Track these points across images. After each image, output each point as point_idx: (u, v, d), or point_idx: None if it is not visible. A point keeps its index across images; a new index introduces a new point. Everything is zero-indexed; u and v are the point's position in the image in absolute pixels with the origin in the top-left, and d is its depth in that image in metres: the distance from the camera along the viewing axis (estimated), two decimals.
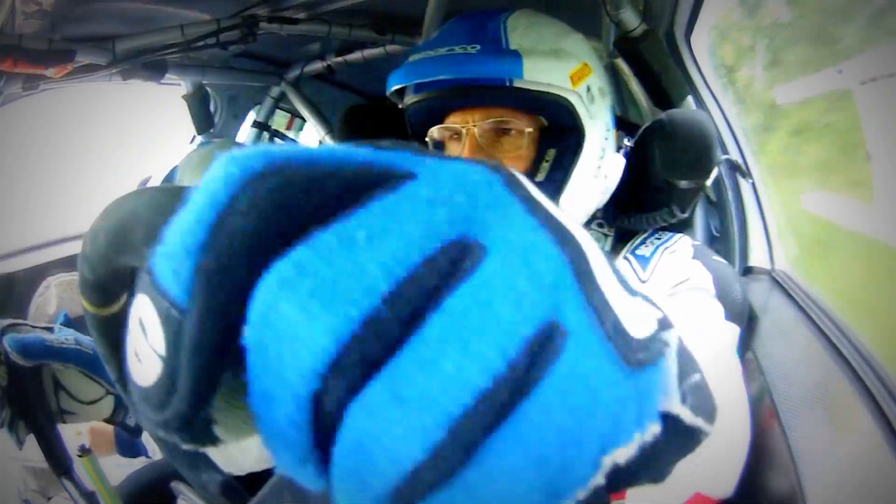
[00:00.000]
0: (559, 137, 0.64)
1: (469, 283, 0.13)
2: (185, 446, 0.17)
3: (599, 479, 0.14)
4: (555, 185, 0.63)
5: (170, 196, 0.22)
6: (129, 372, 0.17)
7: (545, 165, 0.63)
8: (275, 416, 0.13)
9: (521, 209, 0.14)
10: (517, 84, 0.60)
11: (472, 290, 0.13)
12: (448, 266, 0.13)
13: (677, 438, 0.16)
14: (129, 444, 0.98)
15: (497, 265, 0.13)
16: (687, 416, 0.16)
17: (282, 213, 0.14)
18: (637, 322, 0.16)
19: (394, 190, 0.14)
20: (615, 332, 0.15)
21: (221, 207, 0.14)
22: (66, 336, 0.49)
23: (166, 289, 0.14)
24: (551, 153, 0.64)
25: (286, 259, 0.13)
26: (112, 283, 0.31)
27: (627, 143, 0.78)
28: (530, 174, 0.64)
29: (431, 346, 0.13)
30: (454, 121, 0.65)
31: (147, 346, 0.15)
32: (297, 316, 0.13)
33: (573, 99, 0.62)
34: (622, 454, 0.14)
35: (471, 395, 0.12)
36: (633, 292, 0.17)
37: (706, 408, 0.17)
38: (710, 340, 0.49)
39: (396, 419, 0.12)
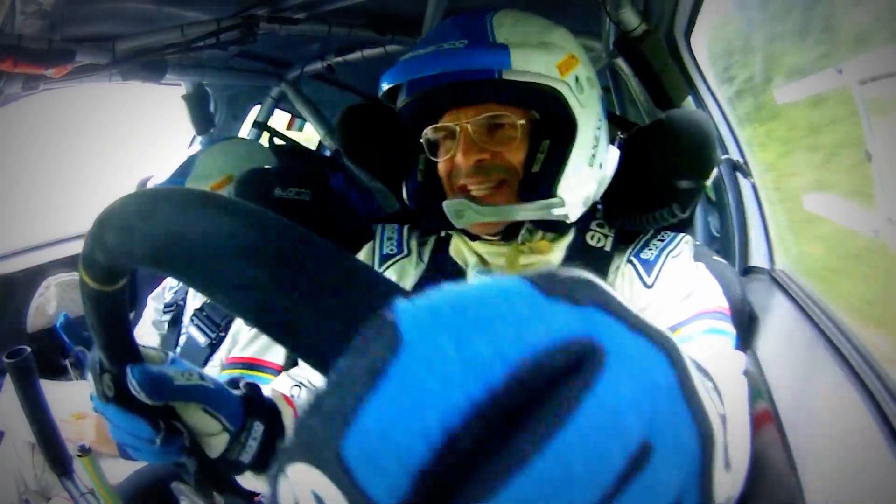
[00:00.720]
0: (552, 128, 0.64)
1: (636, 486, 0.15)
2: None
3: None
4: (551, 176, 0.63)
5: (214, 210, 0.22)
6: None
7: (540, 157, 0.64)
8: None
9: (686, 415, 0.17)
10: (506, 76, 0.61)
11: (636, 492, 0.15)
12: (628, 469, 0.15)
13: None
14: None
15: (659, 463, 0.15)
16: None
17: (502, 429, 0.14)
18: (722, 490, 0.19)
19: (594, 388, 0.15)
20: (704, 441, 0.18)
21: (454, 432, 0.14)
22: (189, 372, 0.45)
23: (373, 496, 0.14)
24: (545, 144, 0.64)
25: (510, 491, 0.14)
26: (125, 270, 0.32)
27: (621, 135, 0.78)
28: (526, 166, 0.64)
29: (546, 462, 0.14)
30: (447, 120, 0.66)
31: None
32: None
33: (562, 89, 0.62)
34: None
35: None
36: (728, 465, 0.20)
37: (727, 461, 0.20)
38: (720, 365, 0.50)
39: None
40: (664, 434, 0.16)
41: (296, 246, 0.22)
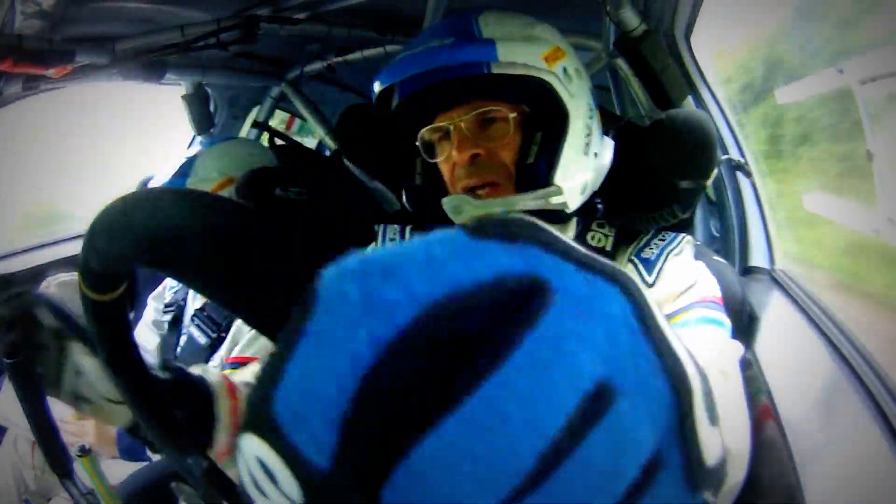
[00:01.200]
0: (544, 120, 0.65)
1: (597, 432, 0.14)
2: None
3: None
4: (546, 167, 0.64)
5: (200, 205, 0.22)
6: (252, 499, 0.17)
7: (534, 149, 0.65)
8: None
9: (651, 353, 0.16)
10: (494, 70, 0.62)
11: (599, 438, 0.14)
12: (584, 413, 0.14)
13: None
14: (131, 447, 0.98)
15: (625, 408, 0.14)
16: (709, 499, 0.18)
17: (429, 370, 0.14)
18: (711, 450, 0.17)
19: (537, 326, 0.14)
20: (696, 467, 0.16)
21: (369, 377, 0.14)
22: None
23: (304, 452, 0.14)
24: (538, 136, 0.65)
25: (438, 436, 0.13)
26: (119, 275, 0.32)
27: (612, 127, 0.78)
28: (521, 159, 0.65)
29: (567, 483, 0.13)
30: (441, 121, 0.67)
31: (276, 491, 0.15)
32: (449, 489, 0.13)
33: (551, 79, 0.63)
34: None
35: (520, 457, 0.13)
36: (713, 420, 0.19)
37: (719, 485, 0.19)
38: (719, 362, 0.50)
39: None
40: (627, 375, 0.15)
41: (248, 229, 0.22)
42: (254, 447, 0.15)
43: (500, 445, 0.13)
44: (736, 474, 0.40)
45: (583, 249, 0.16)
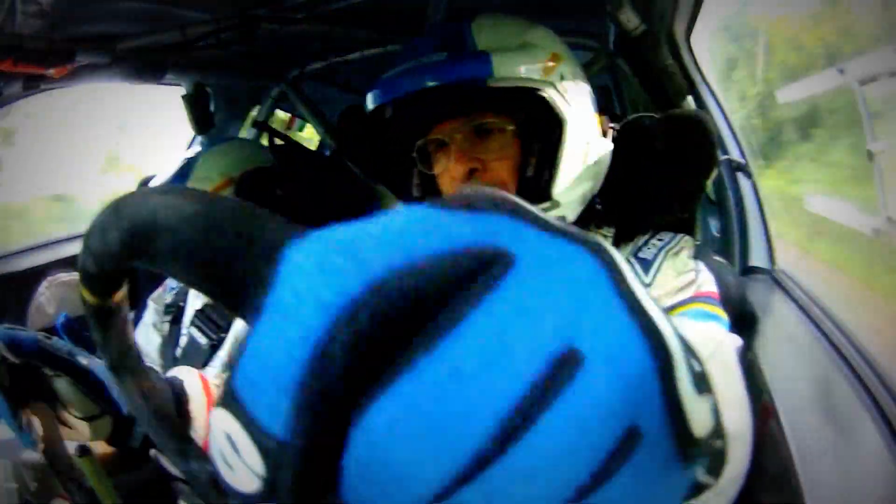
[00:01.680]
0: (542, 131, 0.64)
1: (565, 398, 0.13)
2: None
3: None
4: (545, 178, 0.63)
5: (193, 203, 0.22)
6: (221, 474, 0.17)
7: (532, 161, 0.64)
8: None
9: (622, 314, 0.15)
10: (491, 84, 0.60)
11: (567, 405, 0.13)
12: (550, 378, 0.13)
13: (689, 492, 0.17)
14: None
15: (596, 373, 0.14)
16: (702, 477, 0.17)
17: (383, 338, 0.14)
18: (699, 419, 0.16)
19: (496, 289, 0.14)
20: (682, 435, 0.15)
21: (319, 344, 0.14)
22: (61, 344, 0.48)
23: (261, 421, 0.14)
24: (536, 148, 0.64)
25: (391, 398, 0.13)
26: (117, 278, 0.32)
27: (612, 125, 0.78)
28: (519, 171, 0.64)
29: (533, 457, 0.13)
30: (437, 133, 0.66)
31: (241, 463, 0.15)
32: (407, 455, 0.13)
33: (548, 89, 0.62)
34: None
35: (483, 421, 0.13)
36: (701, 389, 0.18)
37: (717, 468, 0.19)
38: (715, 354, 0.49)
39: None
40: (598, 339, 0.14)
41: (224, 213, 0.22)
42: (221, 421, 0.15)
43: (458, 408, 0.13)
44: (738, 461, 0.39)
45: (551, 217, 0.16)
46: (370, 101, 0.66)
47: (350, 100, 1.82)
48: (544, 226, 0.15)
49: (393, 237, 0.15)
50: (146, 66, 1.19)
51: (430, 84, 0.60)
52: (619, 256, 0.16)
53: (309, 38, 1.31)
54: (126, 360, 0.40)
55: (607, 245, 0.16)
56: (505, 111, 0.64)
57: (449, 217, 0.15)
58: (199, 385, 0.58)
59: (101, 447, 0.92)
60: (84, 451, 0.58)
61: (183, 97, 1.58)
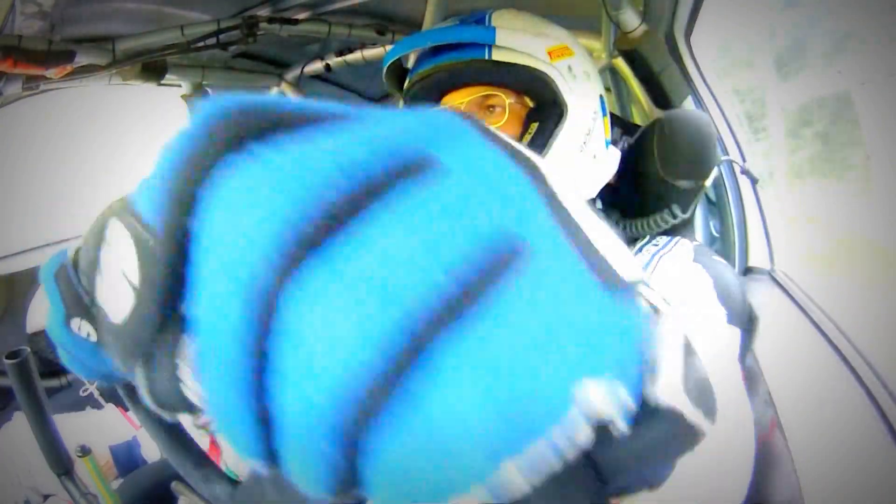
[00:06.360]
0: (542, 112, 0.66)
1: (430, 189, 0.13)
2: (167, 415, 0.17)
3: (580, 425, 0.13)
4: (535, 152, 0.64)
5: None
6: (105, 312, 0.17)
7: (527, 137, 0.65)
8: (215, 294, 0.13)
9: (482, 139, 0.15)
10: (495, 56, 0.63)
11: (432, 196, 0.13)
12: (406, 175, 0.13)
13: (676, 434, 0.16)
14: (127, 463, 0.99)
15: (457, 178, 0.13)
16: (689, 410, 0.16)
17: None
18: (621, 262, 0.15)
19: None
20: (589, 253, 0.14)
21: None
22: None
23: (141, 212, 0.15)
24: (533, 127, 0.65)
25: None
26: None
27: (626, 137, 0.78)
28: None
29: (387, 237, 0.12)
30: (445, 104, 0.68)
31: (120, 275, 0.15)
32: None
33: (551, 72, 0.63)
34: (598, 394, 0.13)
35: (424, 286, 0.12)
36: (619, 241, 0.17)
37: (707, 404, 0.17)
38: (711, 344, 0.49)
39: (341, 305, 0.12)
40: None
41: None
42: (109, 253, 0.17)
43: (403, 280, 0.12)
44: (739, 452, 0.38)
45: (491, 128, 0.16)
46: (386, 59, 0.71)
47: (350, 100, 1.82)
48: (481, 130, 0.15)
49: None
50: (146, 66, 1.19)
51: (435, 42, 0.65)
52: (546, 171, 0.16)
53: (309, 38, 1.31)
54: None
55: (537, 161, 0.16)
56: (509, 87, 0.66)
57: (400, 119, 0.15)
58: None
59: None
60: (84, 451, 0.58)
61: (183, 97, 1.58)
